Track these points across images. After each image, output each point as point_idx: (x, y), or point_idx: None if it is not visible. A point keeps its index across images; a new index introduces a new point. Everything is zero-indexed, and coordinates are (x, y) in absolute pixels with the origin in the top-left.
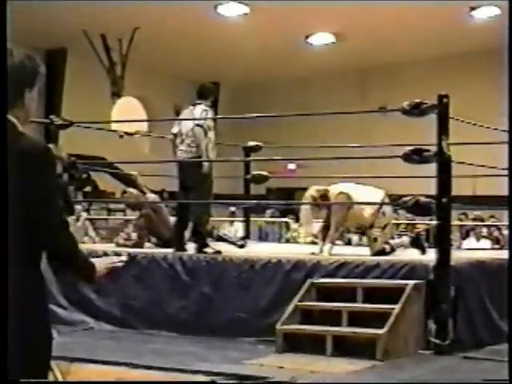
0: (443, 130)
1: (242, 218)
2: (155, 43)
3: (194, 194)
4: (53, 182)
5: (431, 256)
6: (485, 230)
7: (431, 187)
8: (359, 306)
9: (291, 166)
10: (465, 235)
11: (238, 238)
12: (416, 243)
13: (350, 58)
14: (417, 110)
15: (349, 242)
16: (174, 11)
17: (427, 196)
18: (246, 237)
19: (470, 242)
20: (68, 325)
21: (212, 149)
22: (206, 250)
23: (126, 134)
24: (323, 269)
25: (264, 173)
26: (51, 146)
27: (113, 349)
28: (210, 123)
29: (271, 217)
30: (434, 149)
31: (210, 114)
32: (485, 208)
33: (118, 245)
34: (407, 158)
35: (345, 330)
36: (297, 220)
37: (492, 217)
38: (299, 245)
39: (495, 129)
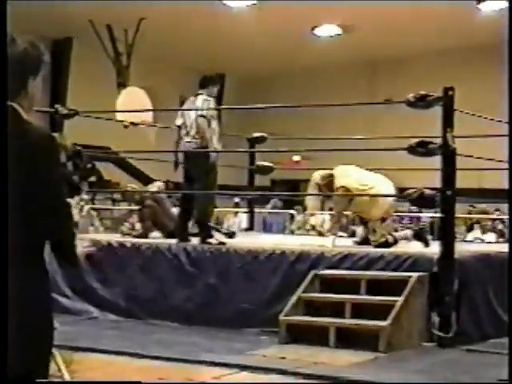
0: (448, 122)
1: (246, 209)
2: (161, 34)
3: (198, 185)
4: (57, 171)
5: (435, 248)
6: (490, 224)
7: (436, 180)
8: (363, 297)
9: (296, 158)
10: (469, 228)
11: (229, 229)
12: (419, 236)
13: (357, 51)
14: (422, 102)
15: (353, 234)
16: (180, 2)
17: (432, 189)
18: (250, 228)
19: (475, 235)
20: (72, 314)
21: (217, 139)
22: (210, 240)
23: (132, 124)
24: (327, 260)
25: (269, 164)
26: (56, 134)
27: (117, 339)
28: (213, 113)
29: (273, 208)
30: (439, 141)
31: (212, 104)
32: (490, 201)
33: (123, 234)
34: (412, 150)
35: (348, 321)
36: (303, 211)
37: (497, 210)
38: (304, 236)
39: (499, 121)
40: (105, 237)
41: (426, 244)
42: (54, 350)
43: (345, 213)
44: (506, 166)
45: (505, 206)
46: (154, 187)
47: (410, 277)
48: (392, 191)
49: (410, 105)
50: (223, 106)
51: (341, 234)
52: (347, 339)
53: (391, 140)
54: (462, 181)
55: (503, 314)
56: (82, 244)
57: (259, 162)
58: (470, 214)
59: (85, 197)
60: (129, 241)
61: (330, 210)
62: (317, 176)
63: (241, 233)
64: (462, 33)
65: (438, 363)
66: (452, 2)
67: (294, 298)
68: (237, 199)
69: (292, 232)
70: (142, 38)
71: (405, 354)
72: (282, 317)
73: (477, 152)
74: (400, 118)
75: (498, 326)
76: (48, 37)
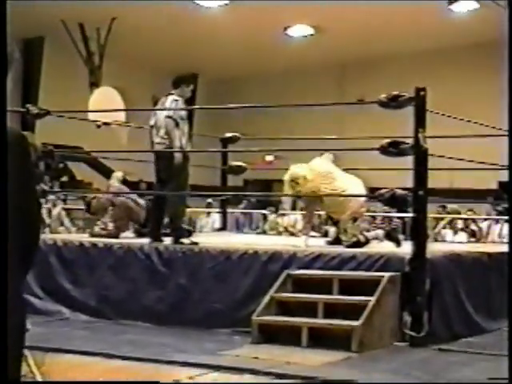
0: (420, 122)
1: (218, 209)
2: (133, 33)
3: (169, 186)
4: (29, 170)
5: (407, 248)
6: (461, 223)
7: (408, 180)
8: (335, 297)
9: (269, 158)
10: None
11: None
12: (390, 236)
13: (329, 51)
14: (394, 102)
15: (325, 234)
16: (152, 2)
17: (404, 189)
18: (223, 228)
19: (446, 235)
20: (43, 315)
21: (186, 140)
22: (183, 240)
23: (104, 123)
24: (299, 260)
25: (241, 164)
26: (26, 134)
27: (88, 339)
28: (182, 113)
29: (244, 208)
30: (411, 141)
31: (181, 104)
32: (462, 201)
33: (93, 235)
34: (384, 150)
35: (320, 321)
36: (275, 211)
37: (470, 210)
38: (277, 236)
39: (468, 121)
40: (76, 237)
41: (398, 244)
42: (26, 352)
43: (317, 213)
44: (478, 166)
45: (477, 206)
46: (114, 178)
47: (382, 277)
48: (362, 191)
49: (382, 105)
50: (195, 106)
51: (313, 233)
52: (320, 339)
53: (364, 140)
54: (435, 181)
55: (474, 313)
56: None
57: (232, 162)
58: (438, 213)
59: (52, 197)
60: (100, 241)
61: (302, 210)
62: (288, 174)
63: (214, 233)
64: (433, 34)
65: (409, 363)
66: (423, 3)
67: (266, 298)
68: (209, 199)
69: (264, 232)
70: (114, 38)
71: (377, 353)
72: (254, 317)
73: (450, 152)
74: (372, 119)
75: (469, 325)
76: (19, 36)
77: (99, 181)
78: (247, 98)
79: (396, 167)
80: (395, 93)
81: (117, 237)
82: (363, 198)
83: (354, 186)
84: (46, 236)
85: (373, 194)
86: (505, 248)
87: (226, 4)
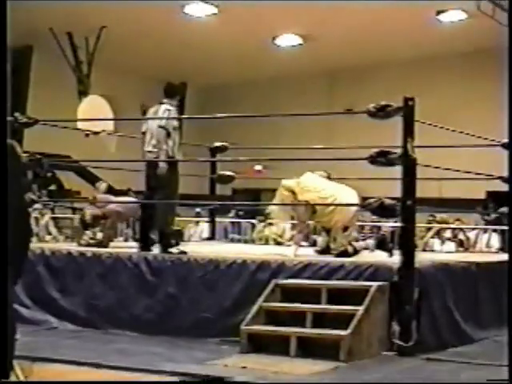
0: (408, 132)
1: (207, 219)
2: (122, 42)
3: (159, 194)
4: (19, 179)
5: (396, 258)
6: (449, 233)
7: (397, 189)
8: (323, 307)
9: (258, 167)
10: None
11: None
12: (382, 245)
13: (318, 60)
14: (382, 112)
15: (314, 244)
16: (141, 10)
17: (392, 198)
18: (212, 237)
19: (434, 244)
20: (31, 324)
21: (178, 149)
22: (171, 250)
23: (92, 132)
24: (288, 270)
25: (229, 173)
26: (14, 143)
27: (76, 348)
28: (175, 123)
29: (235, 215)
30: (399, 151)
31: (174, 114)
32: (451, 210)
33: (81, 245)
34: (373, 160)
35: (309, 331)
36: (263, 220)
37: (457, 220)
38: (264, 245)
39: (453, 130)
40: (64, 246)
41: (390, 253)
42: (14, 361)
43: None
44: (466, 175)
45: (465, 216)
46: (98, 190)
47: (370, 286)
48: (355, 201)
49: (370, 115)
50: (184, 116)
51: (302, 243)
52: (308, 348)
53: (354, 149)
54: (423, 190)
55: (462, 322)
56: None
57: (220, 172)
58: (429, 223)
59: (40, 206)
60: (89, 250)
61: (292, 218)
62: (281, 188)
63: (202, 242)
64: (422, 43)
65: (398, 372)
66: (412, 12)
67: (255, 308)
68: (198, 209)
69: (253, 241)
70: (103, 47)
71: (365, 363)
72: (243, 326)
73: (438, 162)
74: (361, 128)
75: (458, 334)
76: (8, 45)
77: (87, 190)
78: (236, 106)
79: (386, 177)
80: (383, 103)
81: (106, 246)
82: (355, 208)
83: (345, 195)
84: (34, 245)
85: (361, 203)
86: (493, 257)
87: (215, 13)
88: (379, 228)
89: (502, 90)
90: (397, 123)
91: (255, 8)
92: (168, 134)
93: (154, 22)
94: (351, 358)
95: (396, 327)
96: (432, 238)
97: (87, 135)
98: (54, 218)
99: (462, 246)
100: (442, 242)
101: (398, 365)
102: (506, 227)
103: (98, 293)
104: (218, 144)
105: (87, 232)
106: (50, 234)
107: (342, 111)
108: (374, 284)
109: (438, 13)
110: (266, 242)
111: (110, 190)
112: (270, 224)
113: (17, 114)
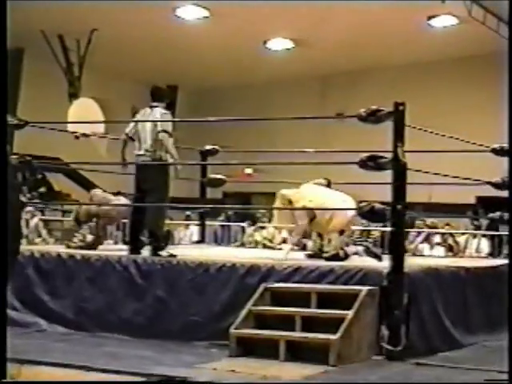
0: (399, 137)
1: (197, 222)
2: (113, 45)
3: (150, 197)
4: (9, 181)
5: (385, 262)
6: (438, 238)
7: (388, 194)
8: (313, 311)
9: (248, 171)
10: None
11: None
12: (371, 251)
13: (310, 65)
14: (373, 116)
15: (304, 247)
16: (132, 13)
17: (383, 203)
18: (202, 240)
19: (424, 249)
20: (20, 327)
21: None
22: (161, 252)
23: (83, 135)
24: (277, 274)
25: (220, 176)
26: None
27: (66, 351)
28: (170, 127)
29: (224, 221)
30: (390, 156)
31: (170, 117)
32: (441, 215)
33: (69, 247)
34: (363, 164)
35: (298, 335)
36: (253, 224)
37: (447, 224)
38: (254, 249)
39: (449, 136)
40: (54, 248)
41: (379, 259)
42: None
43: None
44: (456, 180)
45: (454, 220)
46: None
47: (360, 290)
48: (352, 207)
49: (361, 119)
50: (176, 119)
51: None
52: (297, 352)
53: (344, 154)
54: (413, 195)
55: (451, 327)
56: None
57: (210, 175)
58: (418, 227)
59: (30, 208)
60: (78, 252)
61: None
62: (279, 197)
63: (192, 245)
64: (414, 48)
65: (387, 376)
66: (403, 17)
67: (244, 311)
68: (188, 212)
69: (243, 245)
70: (94, 49)
71: (354, 367)
72: (232, 330)
73: (429, 167)
74: (353, 132)
75: (447, 339)
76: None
77: (78, 192)
78: (227, 110)
79: (378, 181)
80: (374, 107)
81: (95, 248)
82: (351, 213)
83: (341, 202)
84: (24, 247)
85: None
86: (482, 262)
87: (206, 16)
88: (369, 233)
89: (494, 96)
90: (389, 128)
91: (247, 11)
92: (170, 136)
93: (145, 25)
94: (340, 362)
95: (385, 332)
96: (421, 243)
97: (77, 137)
98: (43, 221)
99: (452, 250)
100: (432, 247)
101: (386, 369)
102: (495, 232)
103: (88, 295)
104: (208, 147)
105: (76, 234)
106: (39, 236)
107: (332, 115)
108: (364, 288)
109: (429, 18)
110: (256, 246)
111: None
112: (262, 228)
113: (7, 116)
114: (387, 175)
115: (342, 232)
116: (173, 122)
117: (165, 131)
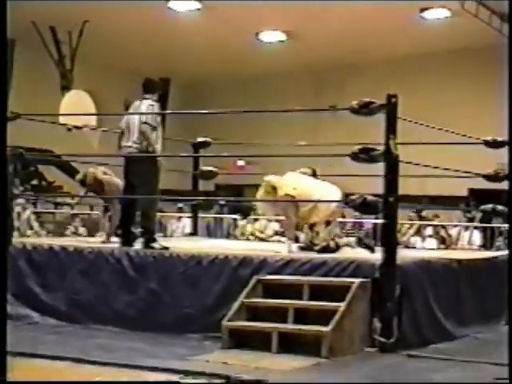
0: (391, 129)
1: (189, 214)
2: (105, 37)
3: (140, 189)
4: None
5: (377, 254)
6: (431, 230)
7: (380, 186)
8: (305, 303)
9: (240, 163)
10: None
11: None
12: (363, 243)
13: (303, 57)
14: (365, 109)
15: (296, 240)
16: (124, 4)
17: (375, 195)
18: (194, 233)
19: (416, 241)
20: (12, 319)
21: (160, 145)
22: (154, 245)
23: (75, 127)
24: (270, 266)
25: (212, 169)
26: None
27: (58, 343)
28: (158, 118)
29: (216, 213)
30: (382, 148)
31: (157, 109)
32: (433, 207)
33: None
34: (355, 156)
35: (290, 327)
36: (245, 217)
37: (436, 216)
38: (247, 242)
39: (440, 129)
40: (46, 240)
41: (372, 250)
42: None
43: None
44: (448, 173)
45: (445, 212)
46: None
47: (352, 282)
48: (337, 196)
49: (353, 112)
50: (168, 111)
51: (284, 239)
52: (289, 344)
53: (337, 146)
54: (406, 187)
55: (444, 319)
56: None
57: (202, 167)
58: (411, 220)
59: (22, 201)
60: (71, 245)
61: (277, 214)
62: (264, 185)
63: (184, 238)
64: (407, 41)
65: (379, 368)
66: (395, 9)
67: (236, 304)
68: (180, 204)
69: (236, 237)
70: (86, 41)
71: (347, 359)
72: (224, 322)
73: (422, 159)
74: (347, 125)
75: (439, 331)
76: None
77: (70, 184)
78: (220, 102)
79: (370, 173)
80: (366, 100)
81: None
82: (334, 204)
83: (326, 191)
84: (15, 240)
85: (345, 199)
86: (474, 255)
87: (199, 8)
88: (361, 225)
89: (487, 88)
90: (382, 122)
91: (240, 3)
92: (153, 129)
93: (137, 17)
94: (333, 354)
95: (377, 324)
96: (413, 235)
97: (69, 130)
98: (35, 213)
99: (444, 243)
100: (423, 239)
101: (379, 361)
102: (488, 225)
103: (80, 288)
104: (200, 139)
105: (69, 226)
106: (31, 228)
107: (325, 108)
108: (356, 280)
109: (422, 10)
110: (248, 238)
111: None
112: (255, 220)
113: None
114: (379, 167)
115: (328, 223)
116: (161, 114)
117: (145, 123)
